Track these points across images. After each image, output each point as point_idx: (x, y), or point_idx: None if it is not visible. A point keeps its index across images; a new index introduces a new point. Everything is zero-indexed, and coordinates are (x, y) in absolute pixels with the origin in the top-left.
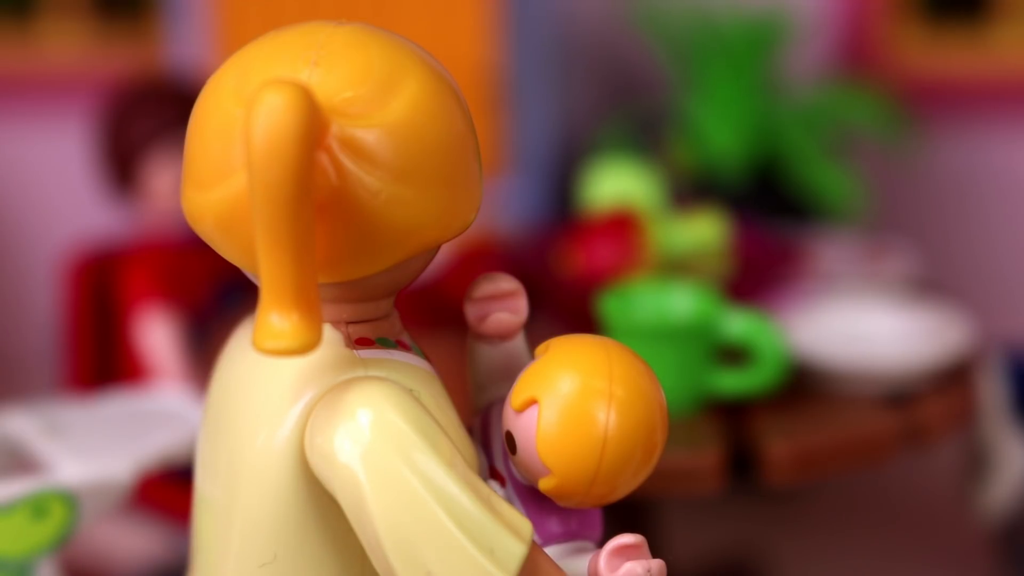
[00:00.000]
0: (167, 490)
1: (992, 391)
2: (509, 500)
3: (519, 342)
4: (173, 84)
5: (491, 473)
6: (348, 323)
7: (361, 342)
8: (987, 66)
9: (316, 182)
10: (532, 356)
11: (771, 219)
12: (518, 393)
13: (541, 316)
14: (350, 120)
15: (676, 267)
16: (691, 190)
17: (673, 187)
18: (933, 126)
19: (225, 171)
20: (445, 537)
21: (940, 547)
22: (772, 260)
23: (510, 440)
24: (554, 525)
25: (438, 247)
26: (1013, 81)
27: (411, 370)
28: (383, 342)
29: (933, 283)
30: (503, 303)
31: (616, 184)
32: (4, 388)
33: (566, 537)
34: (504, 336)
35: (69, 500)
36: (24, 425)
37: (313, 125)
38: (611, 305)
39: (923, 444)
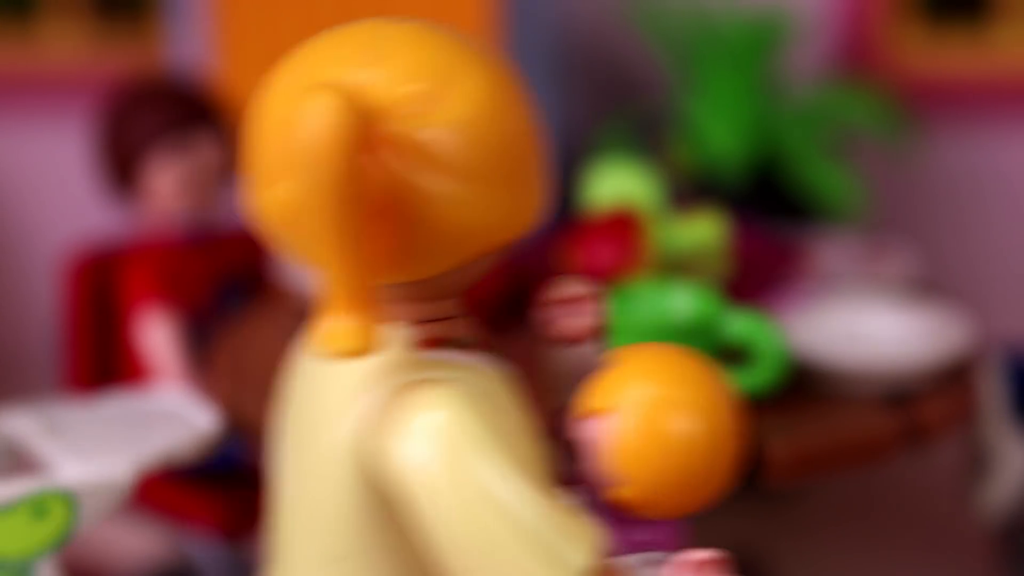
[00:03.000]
0: (167, 490)
1: (992, 391)
2: (580, 508)
3: (591, 347)
4: (173, 84)
5: (562, 479)
6: (413, 324)
7: (426, 343)
8: (987, 66)
9: (373, 184)
10: (604, 362)
11: (771, 219)
12: (592, 400)
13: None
14: (408, 120)
15: (676, 267)
16: (691, 190)
17: (673, 187)
18: (933, 126)
19: (283, 170)
20: (506, 546)
21: (940, 547)
22: (772, 260)
23: (582, 448)
24: (627, 534)
25: (506, 247)
26: (1013, 81)
27: (477, 372)
28: (449, 343)
29: (933, 283)
30: (573, 307)
31: (616, 184)
32: (4, 388)
33: (639, 547)
34: (574, 341)
35: (69, 500)
36: (24, 425)
37: (356, 129)
38: (611, 305)
39: (923, 444)
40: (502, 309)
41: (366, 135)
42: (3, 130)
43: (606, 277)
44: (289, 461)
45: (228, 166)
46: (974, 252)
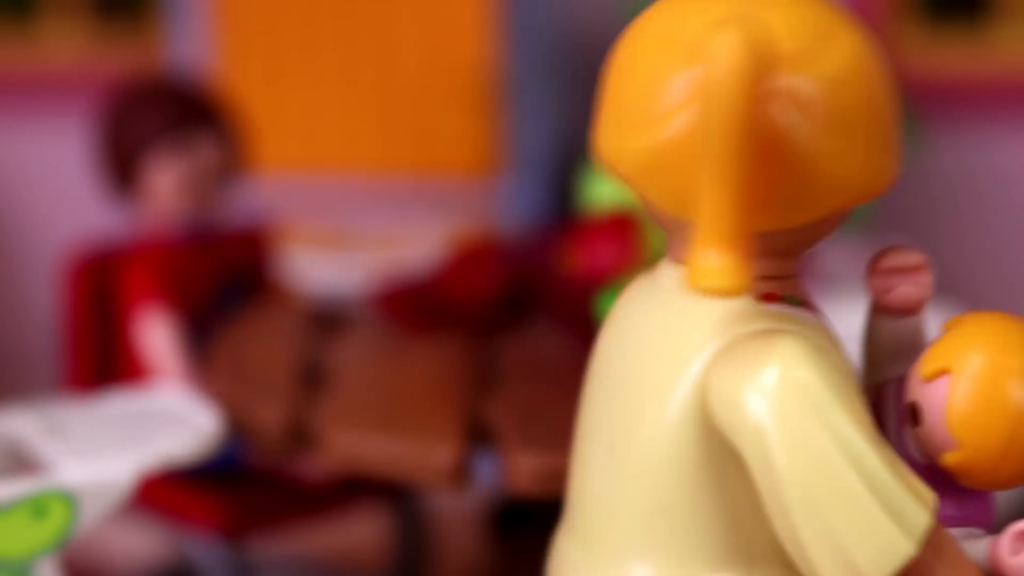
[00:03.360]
0: (167, 490)
1: None
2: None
3: (921, 319)
4: (173, 84)
5: None
6: (758, 277)
7: (768, 297)
8: (987, 66)
9: (757, 128)
10: (943, 327)
11: None
12: (929, 362)
13: (541, 316)
14: (790, 68)
15: None
16: None
17: None
18: (933, 126)
19: (656, 115)
20: (855, 497)
21: None
22: None
23: (915, 411)
24: (948, 507)
25: (854, 208)
26: (1013, 81)
27: (819, 328)
28: (790, 299)
29: (933, 283)
30: (909, 276)
31: (616, 185)
32: (4, 388)
33: (959, 521)
34: (908, 311)
35: (69, 500)
36: (24, 425)
37: (760, 68)
38: (611, 305)
39: None
40: (502, 309)
41: (763, 78)
42: (3, 130)
43: (606, 277)
44: (608, 400)
45: (228, 166)
46: (974, 252)
